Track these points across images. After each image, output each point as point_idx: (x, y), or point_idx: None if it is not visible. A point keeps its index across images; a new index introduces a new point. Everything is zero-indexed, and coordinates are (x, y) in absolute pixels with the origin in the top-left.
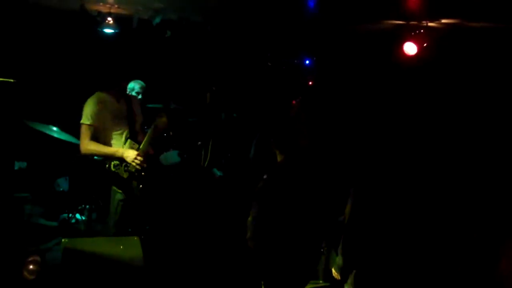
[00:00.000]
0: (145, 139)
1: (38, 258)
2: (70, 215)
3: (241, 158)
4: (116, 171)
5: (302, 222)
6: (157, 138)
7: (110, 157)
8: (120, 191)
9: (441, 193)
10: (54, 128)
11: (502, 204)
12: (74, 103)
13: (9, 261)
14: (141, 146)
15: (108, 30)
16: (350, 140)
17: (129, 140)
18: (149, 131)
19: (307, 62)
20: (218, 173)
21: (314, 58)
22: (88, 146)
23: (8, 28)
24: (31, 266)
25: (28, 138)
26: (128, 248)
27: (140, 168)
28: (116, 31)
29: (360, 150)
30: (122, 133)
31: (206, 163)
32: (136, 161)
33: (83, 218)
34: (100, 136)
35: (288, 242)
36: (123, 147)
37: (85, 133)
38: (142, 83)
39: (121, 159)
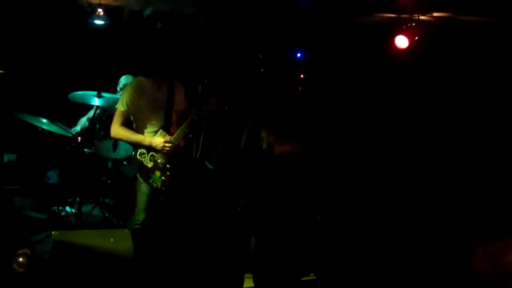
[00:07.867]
0: (178, 131)
1: (28, 251)
2: (60, 207)
3: (232, 152)
4: (141, 159)
5: (293, 217)
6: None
7: (137, 145)
8: (143, 181)
9: (430, 185)
10: (44, 120)
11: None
12: (64, 95)
13: None
14: (172, 138)
15: (98, 22)
16: (342, 133)
17: (160, 131)
18: (184, 124)
19: (299, 55)
20: (209, 166)
21: (306, 51)
22: (118, 131)
23: None
24: (20, 259)
25: (18, 130)
26: (118, 241)
27: (167, 157)
28: (107, 22)
29: (351, 143)
30: (156, 125)
31: (198, 155)
32: (165, 148)
33: (73, 210)
34: (135, 123)
35: (278, 234)
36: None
37: (117, 118)
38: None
39: (148, 148)
